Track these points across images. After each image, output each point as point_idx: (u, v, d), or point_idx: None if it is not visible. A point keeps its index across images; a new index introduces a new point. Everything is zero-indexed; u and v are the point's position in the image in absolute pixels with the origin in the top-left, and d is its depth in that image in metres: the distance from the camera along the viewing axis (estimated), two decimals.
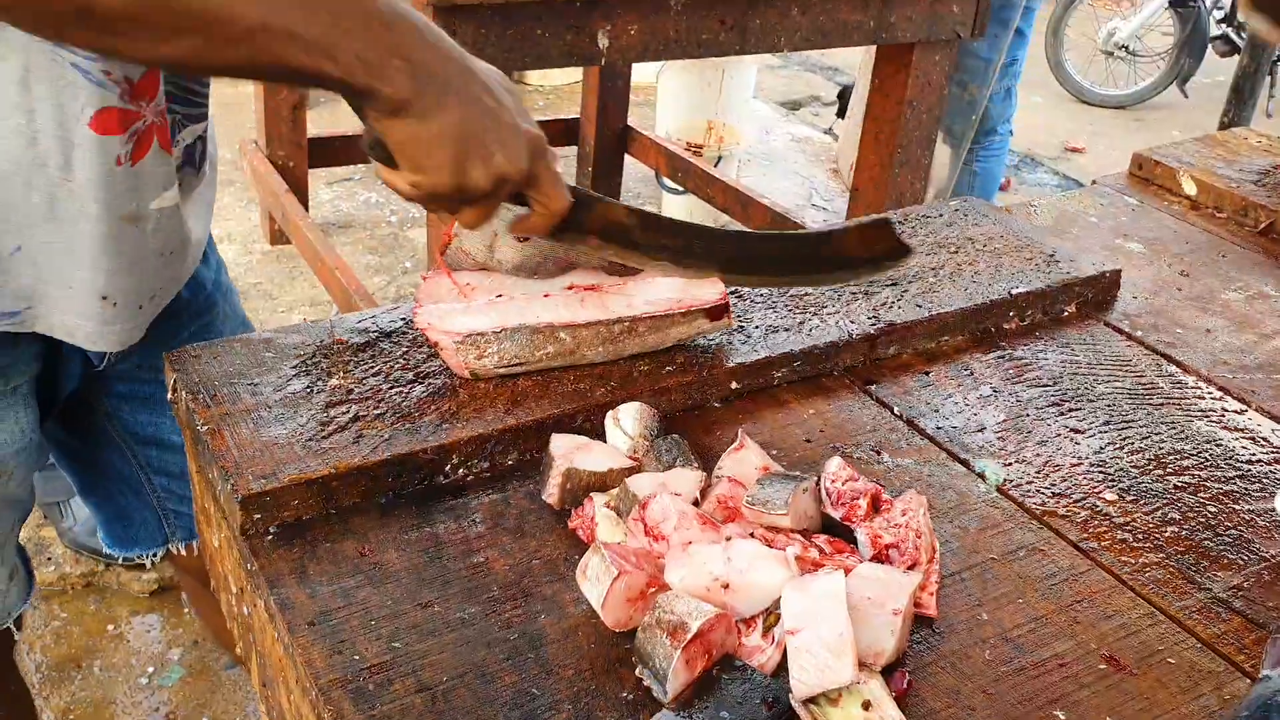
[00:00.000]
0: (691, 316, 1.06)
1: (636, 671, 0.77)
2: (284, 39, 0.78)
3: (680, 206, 4.11)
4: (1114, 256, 1.42)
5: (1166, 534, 0.96)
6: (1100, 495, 1.00)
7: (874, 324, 1.16)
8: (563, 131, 4.06)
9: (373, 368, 1.03)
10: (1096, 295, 1.30)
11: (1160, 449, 1.07)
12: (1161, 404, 1.14)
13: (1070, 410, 1.11)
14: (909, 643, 0.81)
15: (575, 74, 4.92)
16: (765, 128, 5.16)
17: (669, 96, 4.12)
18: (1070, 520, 0.96)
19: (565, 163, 4.43)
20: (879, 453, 1.03)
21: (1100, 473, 1.03)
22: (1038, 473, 1.02)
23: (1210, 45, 6.14)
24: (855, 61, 5.21)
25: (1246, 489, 1.02)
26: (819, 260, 1.11)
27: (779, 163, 4.92)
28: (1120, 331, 1.26)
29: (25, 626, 2.10)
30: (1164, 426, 1.10)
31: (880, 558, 0.86)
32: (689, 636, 0.74)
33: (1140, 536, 0.95)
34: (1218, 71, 6.47)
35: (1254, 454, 1.07)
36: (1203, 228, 1.54)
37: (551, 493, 0.92)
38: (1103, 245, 1.46)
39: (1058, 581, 0.89)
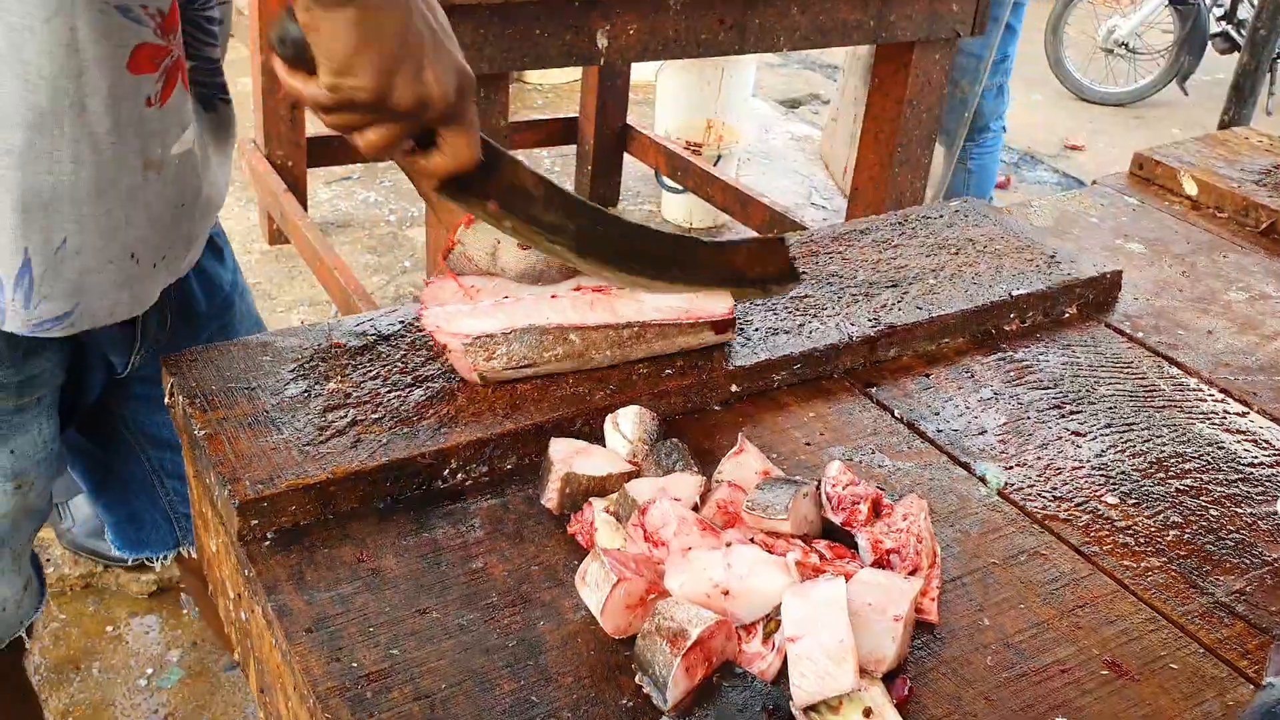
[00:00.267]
0: (699, 328, 1.06)
1: (636, 679, 0.76)
2: None
3: (680, 205, 4.11)
4: (1115, 257, 1.42)
5: (1168, 538, 0.95)
6: (1102, 499, 0.99)
7: (874, 326, 1.15)
8: (562, 130, 4.05)
9: (370, 371, 1.02)
10: (1097, 296, 1.30)
11: (1162, 452, 1.06)
12: (1163, 406, 1.13)
13: (1071, 413, 1.11)
14: (910, 649, 0.81)
15: (574, 73, 4.92)
16: (764, 126, 5.15)
17: (668, 95, 4.12)
18: (1072, 524, 0.96)
19: (564, 161, 4.43)
20: (879, 456, 1.02)
21: (1102, 476, 1.02)
22: (1039, 476, 1.01)
23: (1210, 43, 6.14)
24: None
25: (1249, 492, 1.02)
26: (710, 269, 1.08)
27: (778, 161, 4.91)
28: (1121, 333, 1.26)
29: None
30: (1166, 429, 1.10)
31: (881, 563, 0.85)
32: (689, 644, 0.73)
33: (1142, 540, 0.95)
34: (1217, 69, 6.46)
35: (1256, 457, 1.07)
36: (1204, 228, 1.53)
37: (550, 497, 0.92)
38: (1103, 246, 1.45)
39: (1059, 586, 0.89)
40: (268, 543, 0.87)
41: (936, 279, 1.26)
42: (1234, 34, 6.11)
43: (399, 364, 1.03)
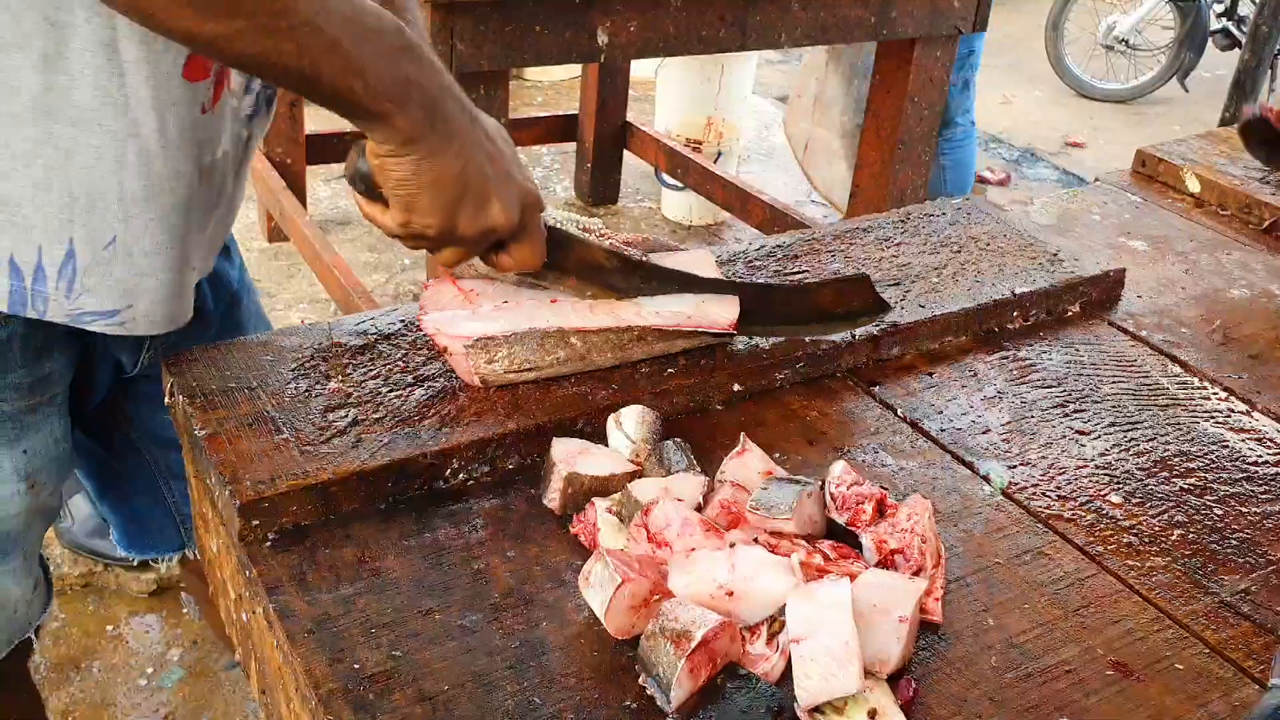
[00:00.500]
0: (699, 333, 1.06)
1: (640, 680, 0.76)
2: (327, 45, 0.79)
3: (680, 202, 4.10)
4: (1118, 255, 1.41)
5: (1173, 537, 0.95)
6: (1106, 498, 0.99)
7: (877, 325, 1.15)
8: (561, 127, 4.04)
9: (371, 370, 1.02)
10: (1101, 295, 1.30)
11: (1166, 451, 1.06)
12: (1167, 405, 1.13)
13: (1075, 412, 1.10)
14: (915, 649, 0.80)
15: (574, 69, 4.91)
16: (765, 123, 5.14)
17: (668, 92, 4.11)
18: (1076, 524, 0.96)
19: (564, 158, 4.43)
20: (882, 455, 1.02)
21: (1106, 475, 1.02)
22: (1043, 475, 1.01)
23: (1210, 39, 6.13)
24: None
25: (1253, 491, 1.01)
26: (794, 315, 1.11)
27: (779, 158, 4.90)
28: (1125, 331, 1.25)
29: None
30: (1170, 428, 1.09)
31: (885, 563, 0.85)
32: (693, 645, 0.73)
33: (1147, 540, 0.95)
34: (1218, 65, 6.45)
35: (1260, 455, 1.06)
36: (1207, 225, 1.53)
37: (553, 498, 0.91)
38: (1106, 243, 1.45)
39: (1064, 586, 0.89)
40: (269, 543, 0.86)
41: (939, 277, 1.25)
42: (1234, 30, 6.10)
43: (400, 363, 1.03)
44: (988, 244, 1.33)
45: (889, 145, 2.60)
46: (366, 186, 0.89)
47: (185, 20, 0.76)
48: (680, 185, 3.83)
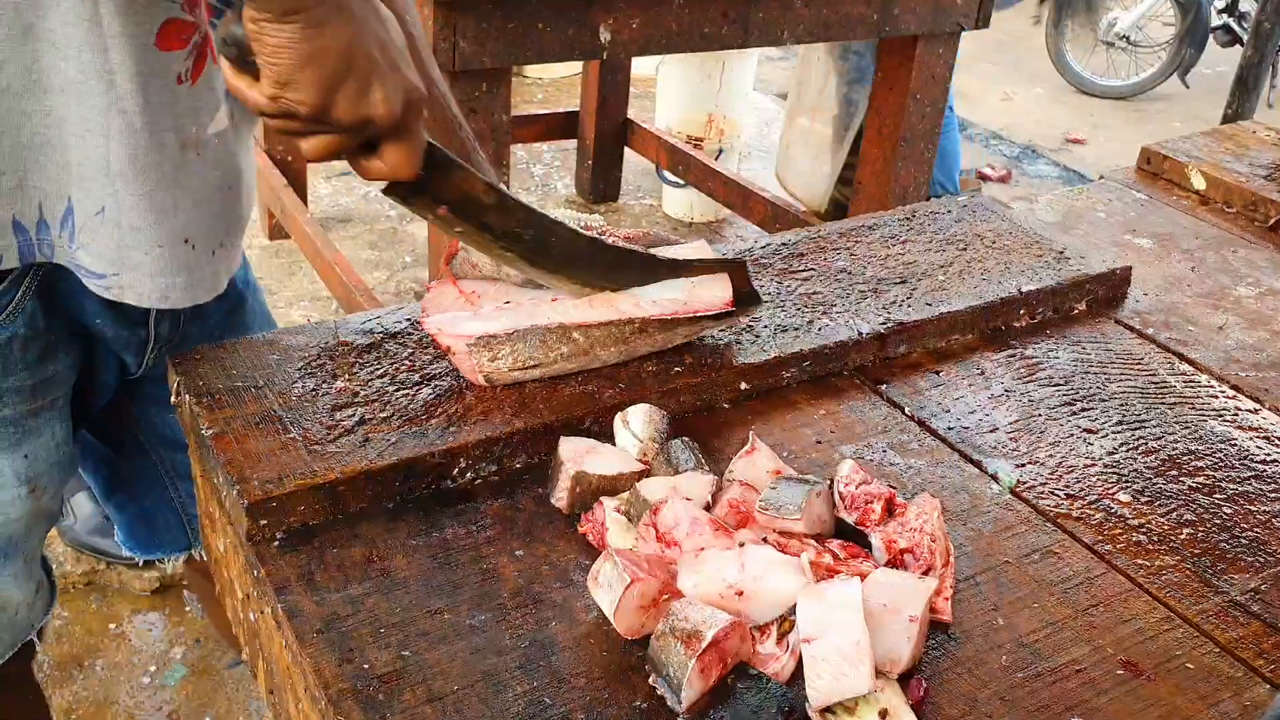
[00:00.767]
0: (700, 320, 1.05)
1: (650, 680, 0.76)
2: None
3: (681, 199, 4.10)
4: (1124, 253, 1.41)
5: (1182, 536, 0.95)
6: (1114, 497, 0.99)
7: (884, 323, 1.15)
8: (562, 124, 4.04)
9: (378, 369, 1.01)
10: (1107, 292, 1.29)
11: (1174, 449, 1.06)
12: (1175, 403, 1.12)
13: (1083, 410, 1.10)
14: (924, 649, 0.80)
15: (574, 66, 4.90)
16: (765, 120, 5.14)
17: (669, 89, 4.10)
18: (1085, 522, 0.95)
19: (565, 155, 4.42)
20: (890, 454, 1.02)
21: (1114, 474, 1.02)
22: (1051, 474, 1.01)
23: (1211, 35, 6.13)
24: None
25: (1262, 490, 1.01)
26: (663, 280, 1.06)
27: None
28: (1131, 329, 1.25)
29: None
30: (1178, 426, 1.09)
31: (895, 563, 0.85)
32: (704, 645, 0.73)
33: (1156, 539, 0.94)
34: (1219, 62, 6.45)
35: (1269, 454, 1.06)
36: (1212, 223, 1.53)
37: (561, 497, 0.91)
38: (1112, 241, 1.45)
39: (1073, 585, 0.88)
40: (277, 543, 0.86)
41: (945, 275, 1.25)
42: (1235, 27, 6.10)
43: (406, 362, 1.03)
44: (993, 242, 1.33)
45: (891, 142, 2.59)
46: (239, 53, 0.81)
47: None
48: (681, 182, 3.83)
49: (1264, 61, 3.34)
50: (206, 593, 1.64)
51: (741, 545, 0.82)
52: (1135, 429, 1.08)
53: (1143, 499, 0.99)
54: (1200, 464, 1.04)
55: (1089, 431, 1.07)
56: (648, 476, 0.92)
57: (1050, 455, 1.03)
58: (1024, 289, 1.23)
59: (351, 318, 1.08)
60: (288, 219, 3.21)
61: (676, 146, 3.74)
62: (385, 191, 0.92)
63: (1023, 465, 1.02)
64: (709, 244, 1.15)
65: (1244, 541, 0.95)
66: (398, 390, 0.99)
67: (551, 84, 5.34)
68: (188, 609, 2.26)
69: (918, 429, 1.06)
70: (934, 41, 2.47)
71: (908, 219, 1.37)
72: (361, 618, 0.80)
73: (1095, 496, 0.99)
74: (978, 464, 1.01)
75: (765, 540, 0.84)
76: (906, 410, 1.08)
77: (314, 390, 0.98)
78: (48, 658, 2.13)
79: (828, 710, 0.73)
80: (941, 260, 1.28)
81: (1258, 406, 1.13)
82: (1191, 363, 1.20)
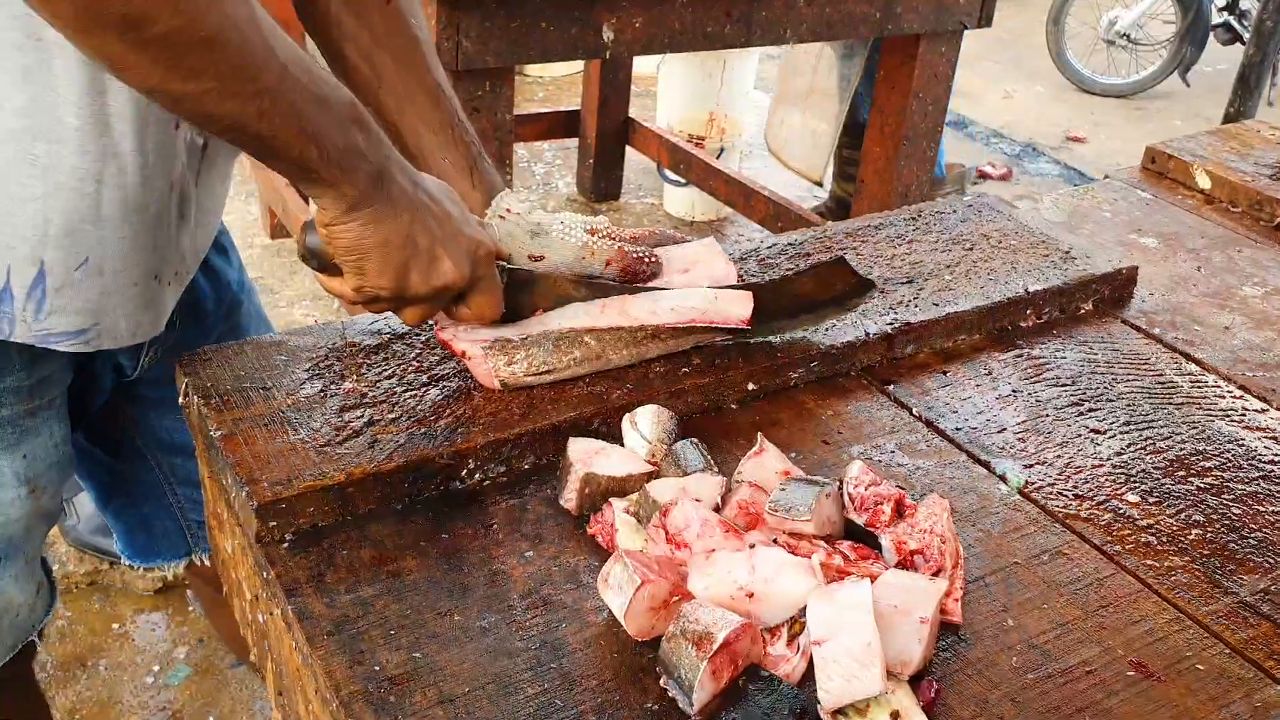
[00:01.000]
0: (713, 329, 1.06)
1: (661, 682, 0.76)
2: (287, 111, 0.80)
3: (682, 198, 4.10)
4: (1129, 252, 1.41)
5: (1191, 537, 0.95)
6: (1123, 497, 0.99)
7: (891, 324, 1.15)
8: (564, 123, 4.04)
9: (386, 370, 1.01)
10: (1113, 292, 1.29)
11: (1182, 450, 1.06)
12: (1182, 404, 1.12)
13: (1090, 410, 1.10)
14: (935, 650, 0.80)
15: (575, 65, 4.90)
16: (766, 118, 5.13)
17: (670, 87, 4.10)
18: (1093, 523, 0.95)
19: (566, 154, 4.42)
20: (898, 455, 1.01)
21: (1122, 474, 1.02)
22: (1059, 474, 1.01)
23: (1212, 34, 6.12)
24: None
25: (1270, 490, 1.01)
26: (780, 306, 1.09)
27: None
28: (1138, 329, 1.25)
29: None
30: (1185, 426, 1.09)
31: (905, 564, 0.85)
32: (715, 647, 0.73)
33: (1164, 539, 0.94)
34: (1219, 60, 6.45)
35: (1277, 454, 1.06)
36: (1218, 222, 1.53)
37: (569, 498, 0.91)
38: (1117, 241, 1.45)
39: (1083, 586, 0.88)
40: (286, 544, 0.86)
41: (952, 275, 1.25)
42: (1236, 25, 6.10)
43: (414, 363, 1.03)
44: (999, 241, 1.33)
45: (894, 141, 2.59)
46: (320, 261, 0.91)
47: (156, 79, 0.75)
48: (683, 181, 3.83)
49: (1266, 60, 3.34)
50: (208, 597, 1.65)
51: (752, 547, 0.81)
52: (1143, 429, 1.08)
53: (1151, 499, 0.99)
54: (1208, 464, 1.04)
55: (1096, 432, 1.07)
56: (656, 478, 0.92)
57: (1058, 456, 1.03)
58: (1030, 289, 1.23)
59: (359, 319, 1.08)
60: (289, 218, 3.20)
61: (678, 145, 3.73)
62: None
63: (1031, 466, 1.02)
64: (712, 238, 1.15)
65: (1253, 542, 0.95)
66: (406, 391, 0.99)
67: (552, 82, 5.34)
68: (191, 609, 2.26)
69: (925, 429, 1.06)
70: (936, 40, 2.47)
71: (913, 219, 1.37)
72: (372, 619, 0.80)
73: (1103, 497, 0.99)
74: (986, 464, 1.01)
75: (775, 542, 0.83)
76: (914, 410, 1.08)
77: (322, 391, 0.98)
78: (51, 658, 2.13)
79: (839, 712, 0.73)
80: (948, 260, 1.28)
81: (1265, 406, 1.13)
82: (1198, 363, 1.20)
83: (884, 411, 1.08)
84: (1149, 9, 6.29)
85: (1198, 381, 1.17)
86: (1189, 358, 1.21)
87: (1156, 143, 1.67)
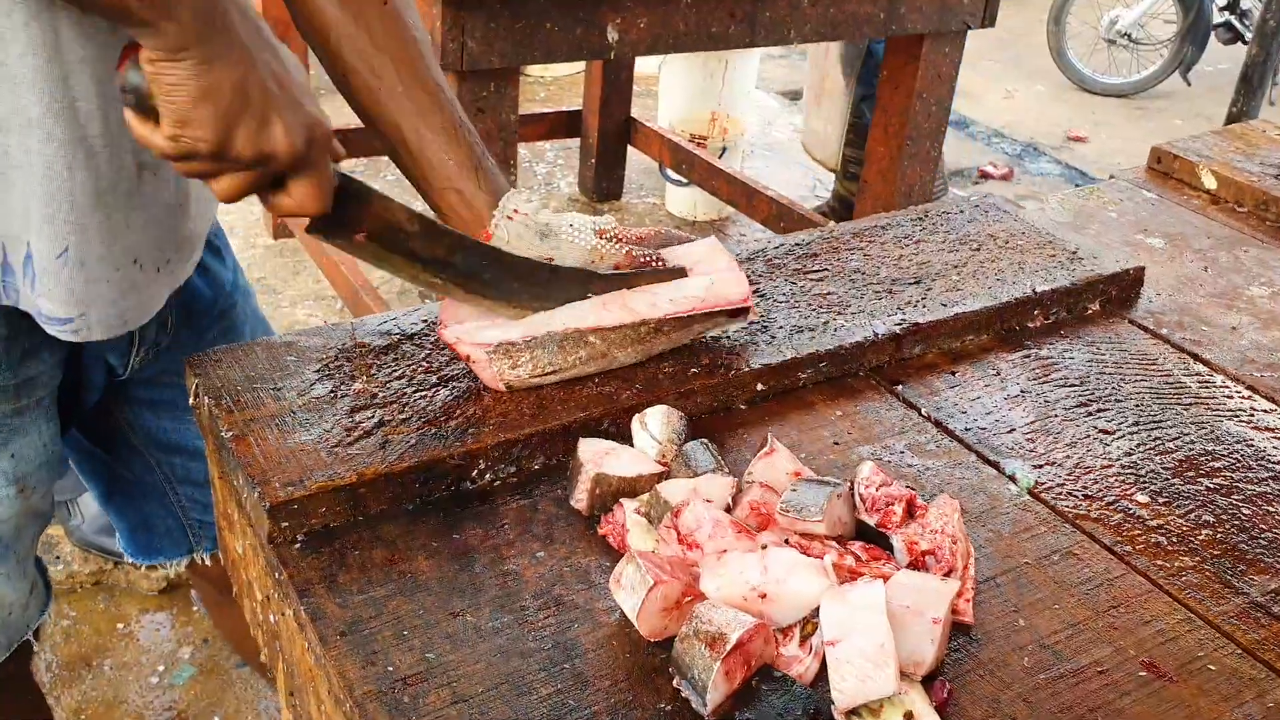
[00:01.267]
0: (715, 315, 1.05)
1: (674, 683, 0.76)
2: None
3: (684, 198, 4.10)
4: (1136, 252, 1.41)
5: (1201, 537, 0.95)
6: (1132, 498, 0.99)
7: (899, 324, 1.15)
8: (565, 123, 4.04)
9: (396, 371, 1.01)
10: (1120, 292, 1.29)
11: (1191, 450, 1.06)
12: (1190, 404, 1.13)
13: (1099, 411, 1.10)
14: (947, 650, 0.80)
15: (577, 65, 4.90)
16: (768, 119, 5.14)
17: (671, 87, 4.10)
18: (1103, 523, 0.95)
19: (568, 154, 4.42)
20: (908, 455, 1.02)
21: (1132, 475, 1.02)
22: (1069, 475, 1.01)
23: (1213, 33, 6.13)
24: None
25: None
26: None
27: (782, 153, 4.90)
28: (1145, 329, 1.25)
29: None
30: (1194, 427, 1.09)
31: (917, 564, 0.85)
32: (729, 647, 0.73)
33: (1175, 540, 0.94)
34: (1220, 59, 6.45)
35: None
36: (1224, 222, 1.53)
37: (580, 499, 0.91)
38: (1124, 241, 1.45)
39: (1093, 586, 0.88)
40: (298, 545, 0.86)
41: (959, 275, 1.25)
42: (1237, 24, 6.10)
43: (424, 363, 1.03)
44: (1006, 242, 1.33)
45: (897, 141, 2.59)
46: (138, 99, 0.82)
47: None
48: (684, 181, 3.83)
49: (1269, 60, 3.34)
50: (210, 597, 1.64)
51: (764, 547, 0.82)
52: (1151, 429, 1.08)
53: (1160, 500, 0.99)
54: (1217, 464, 1.04)
55: (1105, 432, 1.07)
56: (667, 478, 0.92)
57: (1067, 456, 1.03)
58: (1038, 289, 1.23)
59: (368, 319, 1.08)
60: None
61: (679, 145, 3.74)
62: (308, 229, 0.93)
63: (1040, 466, 1.02)
64: (715, 237, 1.15)
65: (1263, 542, 0.95)
66: (416, 392, 0.99)
67: (554, 83, 5.34)
68: (195, 609, 2.26)
69: (935, 430, 1.06)
70: (940, 40, 2.47)
71: (920, 219, 1.37)
72: (384, 620, 0.80)
73: (1113, 497, 0.99)
74: (995, 465, 1.01)
75: (787, 542, 0.84)
76: (923, 411, 1.08)
77: (332, 392, 0.98)
78: (56, 658, 2.13)
79: (853, 713, 0.73)
80: (955, 260, 1.28)
81: (1273, 407, 1.13)
82: (1206, 363, 1.20)
83: (893, 412, 1.08)
84: (1150, 8, 6.30)
85: (1206, 382, 1.17)
86: (1197, 358, 1.21)
87: (1159, 142, 1.67)
